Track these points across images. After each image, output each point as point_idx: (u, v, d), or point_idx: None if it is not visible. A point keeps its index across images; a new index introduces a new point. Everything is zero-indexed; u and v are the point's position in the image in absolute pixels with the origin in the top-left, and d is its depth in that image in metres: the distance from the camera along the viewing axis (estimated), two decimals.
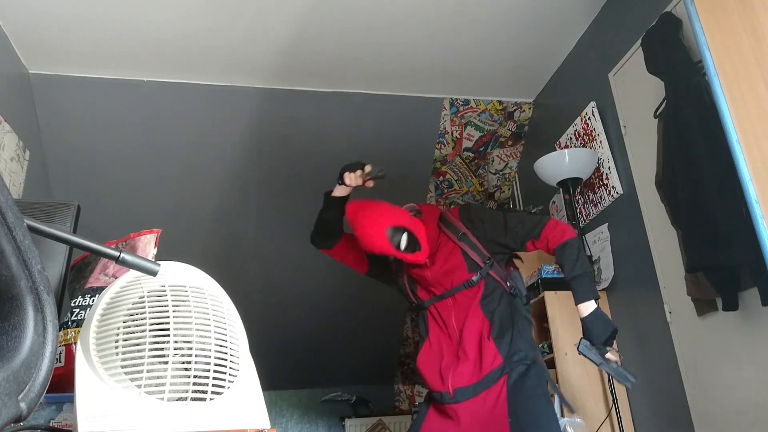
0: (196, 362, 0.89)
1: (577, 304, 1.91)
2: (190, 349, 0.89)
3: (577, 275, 1.91)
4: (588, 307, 1.88)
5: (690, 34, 2.11)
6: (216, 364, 0.91)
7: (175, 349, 0.88)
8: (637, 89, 2.68)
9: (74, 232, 1.28)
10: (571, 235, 1.96)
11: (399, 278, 2.19)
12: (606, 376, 2.70)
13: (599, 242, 2.97)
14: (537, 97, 3.73)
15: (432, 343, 2.10)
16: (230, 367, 0.93)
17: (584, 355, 1.87)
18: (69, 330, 1.36)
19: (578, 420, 2.57)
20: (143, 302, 0.91)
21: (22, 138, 2.98)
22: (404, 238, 1.98)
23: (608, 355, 1.87)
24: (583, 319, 1.89)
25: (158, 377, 0.87)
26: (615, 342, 1.91)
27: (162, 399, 0.86)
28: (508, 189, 4.26)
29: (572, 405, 2.37)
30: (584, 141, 3.11)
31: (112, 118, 3.38)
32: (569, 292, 2.87)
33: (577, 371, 2.76)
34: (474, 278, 2.04)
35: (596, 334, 1.86)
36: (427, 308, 2.14)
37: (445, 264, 2.08)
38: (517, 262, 2.22)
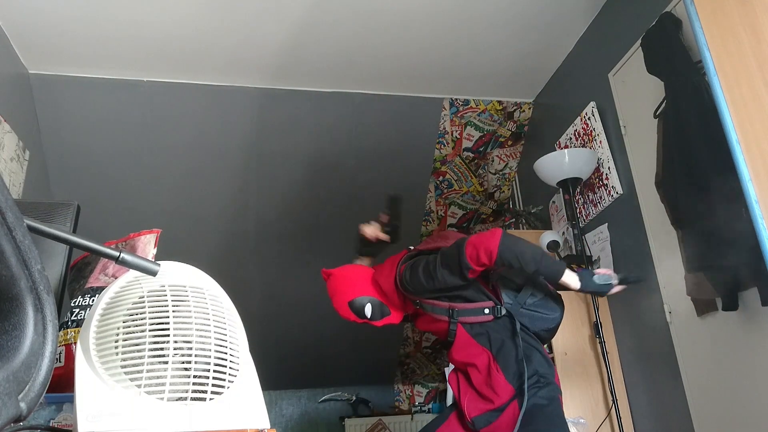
0: (196, 362, 0.89)
1: (557, 288, 1.89)
2: (190, 349, 0.89)
3: (534, 270, 1.81)
4: (570, 280, 1.84)
5: (690, 34, 2.11)
6: (216, 364, 0.91)
7: (175, 349, 0.88)
8: (637, 89, 2.68)
9: (74, 232, 1.28)
10: (498, 234, 1.83)
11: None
12: (605, 376, 2.70)
13: (599, 242, 2.97)
14: (537, 97, 3.72)
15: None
16: (230, 367, 0.93)
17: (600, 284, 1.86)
18: (69, 330, 1.36)
19: (582, 420, 2.57)
20: (143, 302, 0.91)
21: (22, 138, 2.98)
22: (368, 308, 2.04)
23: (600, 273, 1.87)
24: (581, 291, 1.89)
25: (158, 377, 0.87)
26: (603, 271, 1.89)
27: (162, 399, 0.86)
28: (508, 189, 4.26)
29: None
30: (584, 141, 3.11)
31: (112, 118, 3.38)
32: (569, 293, 2.90)
33: (577, 371, 2.76)
34: (450, 338, 1.98)
35: (600, 290, 1.86)
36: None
37: (425, 318, 2.07)
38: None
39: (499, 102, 3.76)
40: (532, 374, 1.86)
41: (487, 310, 1.92)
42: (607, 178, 2.91)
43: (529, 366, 1.85)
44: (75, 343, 1.33)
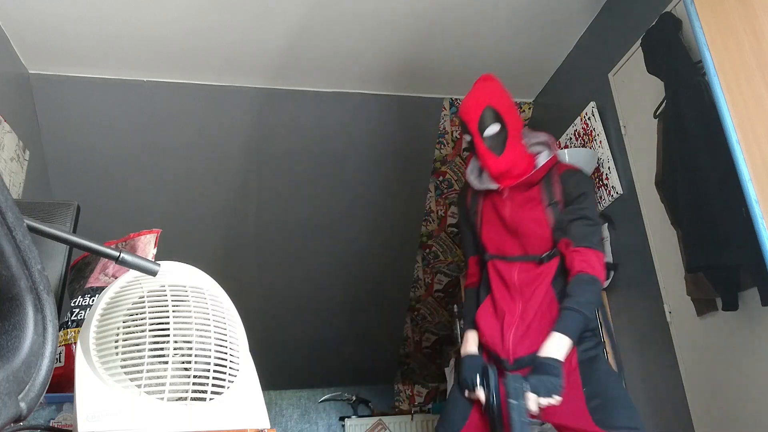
0: (196, 362, 0.89)
1: (553, 330, 1.76)
2: (190, 349, 0.89)
3: (575, 308, 1.77)
4: (558, 345, 1.73)
5: (690, 34, 2.11)
6: (216, 364, 0.91)
7: (175, 349, 0.88)
8: (637, 89, 2.68)
9: (74, 232, 1.28)
10: (601, 276, 1.84)
11: (474, 215, 2.08)
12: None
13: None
14: (537, 97, 3.73)
15: (496, 299, 1.96)
16: (230, 367, 0.93)
17: (506, 388, 1.69)
18: (69, 330, 1.36)
19: None
20: (143, 302, 0.91)
21: (22, 138, 2.98)
22: (494, 128, 1.88)
23: (530, 403, 1.67)
24: (538, 359, 1.73)
25: (158, 377, 0.87)
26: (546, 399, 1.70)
27: (162, 399, 0.86)
28: None
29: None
30: (584, 141, 3.11)
31: (112, 118, 3.38)
32: None
33: None
34: (546, 255, 1.92)
35: (544, 373, 1.70)
36: (487, 261, 2.03)
37: (529, 214, 1.93)
38: None
39: None
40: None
41: None
42: (607, 178, 2.91)
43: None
44: (75, 343, 1.33)
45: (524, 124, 2.04)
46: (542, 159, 2.00)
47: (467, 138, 1.98)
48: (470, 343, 1.97)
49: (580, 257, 1.84)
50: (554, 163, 2.00)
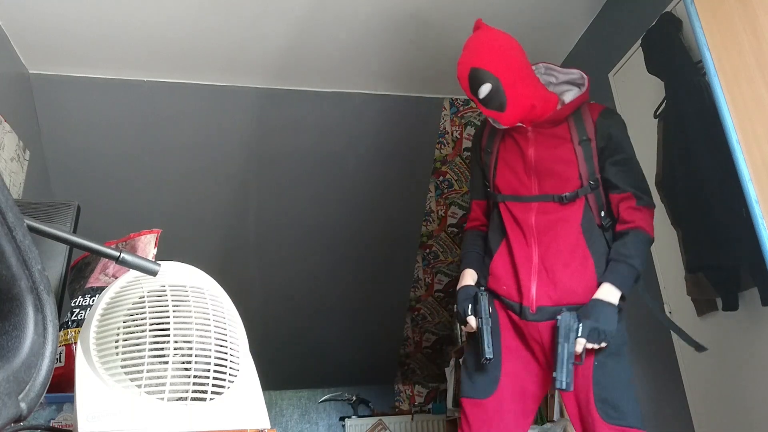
0: (196, 362, 0.89)
1: (602, 281, 1.68)
2: (190, 349, 0.89)
3: (633, 265, 1.68)
4: (610, 293, 1.66)
5: (690, 34, 2.11)
6: (216, 364, 0.91)
7: (175, 349, 0.88)
8: (637, 89, 2.68)
9: (74, 232, 1.28)
10: (651, 233, 1.74)
11: (489, 155, 1.92)
12: None
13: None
14: None
15: (512, 246, 1.81)
16: (230, 367, 0.93)
17: (559, 327, 1.63)
18: (69, 330, 1.36)
19: None
20: (143, 302, 0.91)
21: (22, 138, 2.98)
22: (485, 88, 1.75)
23: (578, 346, 1.62)
24: (595, 299, 1.66)
25: (158, 377, 0.87)
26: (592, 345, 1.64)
27: (162, 399, 0.86)
28: None
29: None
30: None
31: (113, 118, 3.38)
32: None
33: None
34: (569, 194, 1.77)
35: (604, 322, 1.62)
36: (499, 204, 1.88)
37: (554, 152, 1.80)
38: None
39: None
40: None
41: (602, 214, 1.82)
42: None
43: None
44: (75, 343, 1.33)
45: (532, 63, 1.92)
46: (568, 97, 1.88)
47: (472, 102, 1.92)
48: (466, 278, 1.88)
49: (642, 215, 1.73)
50: (584, 101, 1.86)
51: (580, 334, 1.61)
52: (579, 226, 1.76)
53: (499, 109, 1.76)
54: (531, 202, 1.80)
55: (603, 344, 1.63)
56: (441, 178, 4.14)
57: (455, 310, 1.87)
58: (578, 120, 1.82)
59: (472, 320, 1.78)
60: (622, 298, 1.70)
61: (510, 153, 1.86)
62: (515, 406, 1.73)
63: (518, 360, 1.76)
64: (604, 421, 1.59)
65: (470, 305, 1.79)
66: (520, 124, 1.83)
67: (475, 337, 1.78)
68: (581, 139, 1.80)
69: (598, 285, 1.69)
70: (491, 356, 1.71)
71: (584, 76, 1.92)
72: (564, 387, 1.59)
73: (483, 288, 1.84)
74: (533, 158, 1.81)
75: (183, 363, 0.89)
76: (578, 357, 1.62)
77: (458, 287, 1.90)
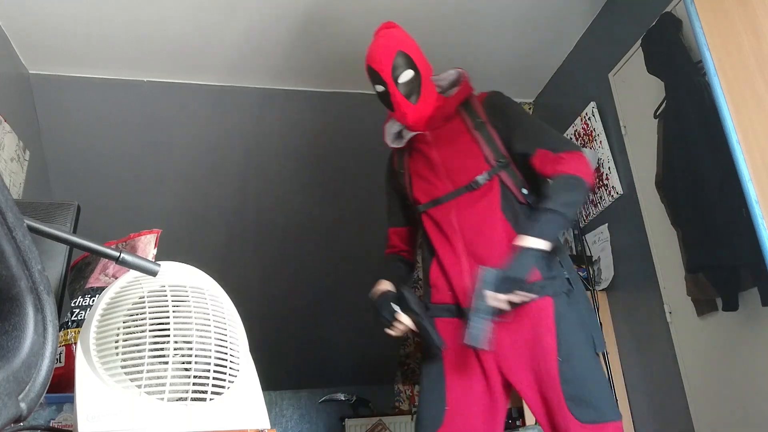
0: (196, 362, 0.89)
1: (521, 233, 1.57)
2: (190, 349, 0.89)
3: (551, 209, 1.56)
4: (524, 240, 1.54)
5: (690, 34, 2.11)
6: (216, 364, 0.91)
7: (175, 349, 0.88)
8: (637, 89, 2.68)
9: (74, 232, 1.28)
10: (587, 177, 1.62)
11: (402, 176, 1.91)
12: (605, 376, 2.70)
13: (599, 242, 2.97)
14: (537, 97, 3.72)
15: (440, 254, 1.77)
16: (230, 367, 0.93)
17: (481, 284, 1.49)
18: (69, 330, 1.36)
19: None
20: (143, 302, 0.91)
21: (22, 138, 2.98)
22: (408, 74, 1.75)
23: (488, 300, 1.48)
24: (515, 248, 1.55)
25: (158, 377, 0.87)
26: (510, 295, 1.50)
27: (162, 399, 0.86)
28: None
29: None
30: (584, 141, 3.11)
31: (112, 118, 3.38)
32: None
33: None
34: (479, 178, 1.72)
35: (513, 269, 1.50)
36: (423, 219, 1.83)
37: (455, 145, 1.79)
38: None
39: None
40: (561, 274, 1.67)
41: (524, 191, 1.76)
42: (607, 178, 2.91)
43: (558, 264, 1.69)
44: (75, 343, 1.33)
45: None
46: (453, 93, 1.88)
47: (379, 89, 1.82)
48: (382, 285, 1.84)
49: (563, 161, 1.63)
50: (469, 92, 1.87)
51: (485, 287, 1.48)
52: (500, 210, 1.69)
53: (412, 100, 1.77)
54: (448, 200, 1.76)
55: (520, 296, 1.51)
56: None
57: (379, 319, 1.77)
58: (468, 109, 1.82)
59: (403, 317, 1.69)
60: (553, 250, 1.59)
61: (418, 163, 1.86)
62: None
63: (464, 383, 1.64)
64: (579, 422, 1.49)
65: (392, 305, 1.72)
66: (419, 132, 1.84)
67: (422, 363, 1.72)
68: (476, 124, 1.78)
69: (539, 270, 1.61)
70: (442, 342, 1.62)
71: (460, 71, 1.92)
72: (470, 342, 1.46)
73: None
74: (438, 158, 1.80)
75: (183, 363, 0.89)
76: (502, 315, 1.51)
77: (374, 296, 1.83)
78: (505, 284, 1.49)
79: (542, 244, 1.54)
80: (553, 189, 1.60)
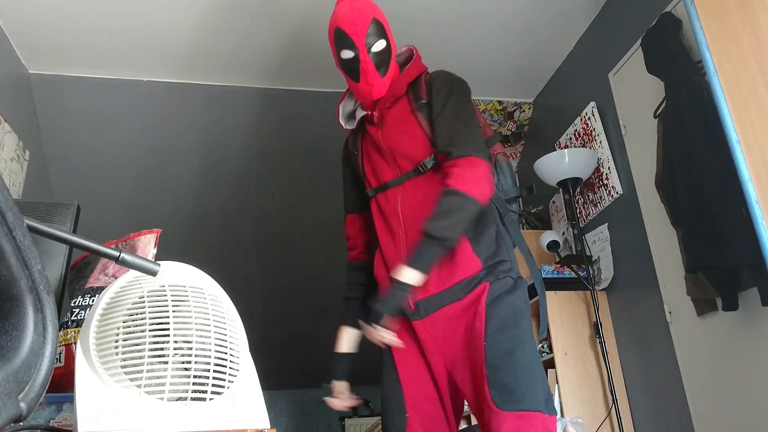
0: (196, 362, 0.89)
1: (405, 263, 1.49)
2: (190, 349, 0.89)
3: (430, 234, 1.47)
4: (406, 275, 1.47)
5: (690, 34, 2.11)
6: (216, 364, 0.91)
7: (175, 349, 0.88)
8: (637, 89, 2.68)
9: (74, 232, 1.28)
10: (472, 191, 1.49)
11: (356, 158, 1.80)
12: (605, 376, 2.70)
13: (599, 242, 2.97)
14: (537, 97, 3.72)
15: (382, 246, 1.67)
16: (230, 367, 0.93)
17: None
18: (69, 330, 1.36)
19: (579, 420, 2.57)
20: (143, 302, 0.91)
21: (22, 138, 2.98)
22: (381, 44, 1.65)
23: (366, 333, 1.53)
24: (391, 279, 1.49)
25: (158, 377, 0.87)
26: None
27: (162, 399, 0.86)
28: None
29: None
30: (584, 141, 3.11)
31: (112, 119, 3.38)
32: (569, 293, 2.90)
33: (577, 371, 2.76)
34: (426, 161, 1.61)
35: (380, 304, 1.50)
36: (371, 205, 1.74)
37: (399, 126, 1.68)
38: None
39: (499, 102, 3.76)
40: (504, 260, 1.58)
41: None
42: (607, 178, 2.91)
43: (503, 250, 1.60)
44: (75, 343, 1.33)
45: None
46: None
47: (347, 54, 1.69)
48: (341, 342, 1.83)
49: (455, 172, 1.53)
50: (421, 71, 1.75)
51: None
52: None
53: (381, 73, 1.67)
54: (394, 186, 1.65)
55: (380, 331, 1.49)
56: None
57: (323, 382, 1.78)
58: (414, 89, 1.70)
59: (335, 402, 1.79)
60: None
61: (369, 145, 1.75)
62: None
63: (417, 385, 1.60)
64: (496, 407, 1.40)
65: (336, 384, 1.80)
66: (369, 113, 1.73)
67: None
68: (419, 105, 1.66)
69: (478, 258, 1.53)
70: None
71: (411, 48, 1.82)
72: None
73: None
74: (383, 141, 1.69)
75: (183, 363, 0.89)
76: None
77: (335, 351, 1.84)
78: (373, 317, 1.50)
79: (415, 278, 1.47)
80: (436, 210, 1.50)
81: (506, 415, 1.38)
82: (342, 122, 1.84)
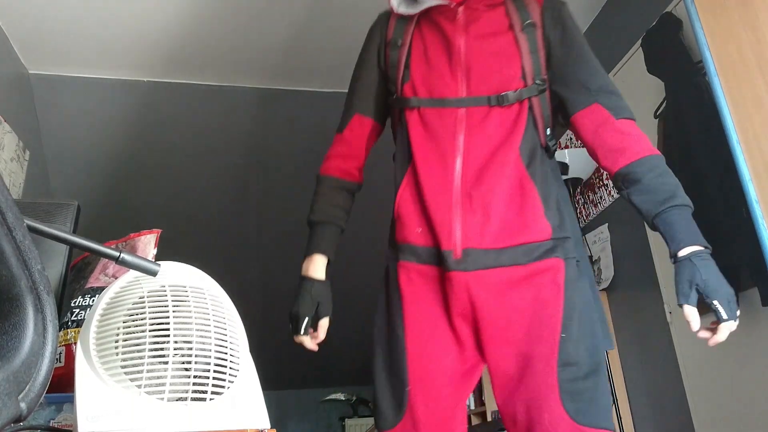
0: (196, 362, 0.89)
1: (686, 245, 1.25)
2: (190, 349, 0.89)
3: (687, 205, 1.26)
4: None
5: (690, 34, 2.11)
6: (216, 364, 0.91)
7: (175, 349, 0.88)
8: (637, 89, 2.68)
9: (74, 232, 1.28)
10: (654, 151, 1.31)
11: (397, 49, 1.40)
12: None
13: (599, 242, 2.97)
14: None
15: (421, 168, 1.31)
16: (230, 367, 0.93)
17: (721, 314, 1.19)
18: (69, 330, 1.36)
19: None
20: (143, 302, 0.91)
21: (22, 138, 2.98)
22: None
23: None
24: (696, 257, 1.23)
25: (158, 377, 0.87)
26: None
27: (162, 399, 0.86)
28: None
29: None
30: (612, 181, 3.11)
31: (112, 118, 3.38)
32: None
33: None
34: (510, 94, 1.30)
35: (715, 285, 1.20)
36: (407, 116, 1.37)
37: (489, 39, 1.33)
38: None
39: None
40: (568, 237, 1.30)
41: (548, 132, 1.39)
42: (607, 178, 2.91)
43: (568, 224, 1.34)
44: (75, 343, 1.33)
45: None
46: None
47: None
48: (313, 268, 1.44)
49: (637, 133, 1.35)
50: None
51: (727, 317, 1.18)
52: (518, 147, 1.29)
53: None
54: (457, 107, 1.30)
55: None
56: None
57: (290, 313, 1.42)
58: (519, 3, 1.36)
59: (305, 341, 1.40)
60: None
61: (430, 43, 1.36)
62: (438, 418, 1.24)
63: (430, 352, 1.25)
64: (573, 421, 1.14)
65: (307, 319, 1.37)
66: (447, 3, 1.35)
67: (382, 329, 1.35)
68: (524, 24, 1.33)
69: (549, 223, 1.26)
70: None
71: None
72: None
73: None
74: (463, 49, 1.32)
75: (183, 363, 0.89)
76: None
77: (301, 275, 1.42)
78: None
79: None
80: (666, 179, 1.29)
81: (583, 431, 1.14)
82: (394, 2, 1.42)
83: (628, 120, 1.36)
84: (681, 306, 1.24)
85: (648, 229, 2.62)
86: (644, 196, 1.27)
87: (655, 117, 2.43)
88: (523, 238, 1.24)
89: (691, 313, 1.24)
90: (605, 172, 3.00)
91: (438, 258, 1.25)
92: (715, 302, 1.21)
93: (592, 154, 1.35)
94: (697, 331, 1.23)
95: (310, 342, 1.42)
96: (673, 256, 1.28)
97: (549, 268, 1.24)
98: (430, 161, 1.30)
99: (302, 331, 1.39)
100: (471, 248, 1.23)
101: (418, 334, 1.26)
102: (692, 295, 1.24)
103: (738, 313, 1.19)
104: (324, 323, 1.41)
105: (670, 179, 1.29)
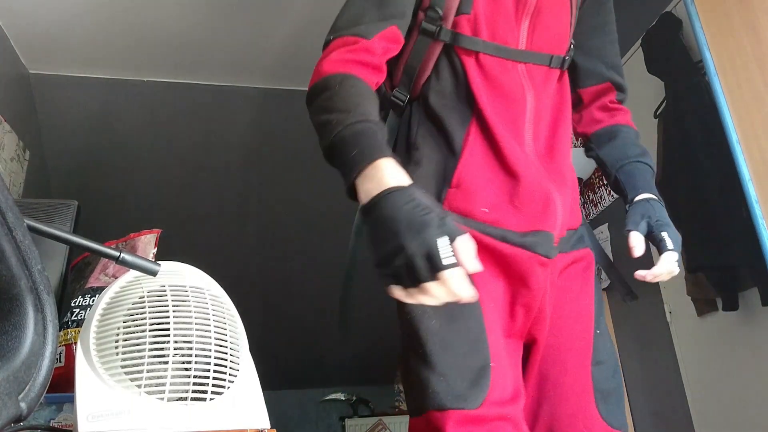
0: (196, 362, 0.89)
1: (645, 192, 1.16)
2: (190, 349, 0.89)
3: (647, 163, 1.23)
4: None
5: (690, 34, 2.11)
6: (216, 364, 0.91)
7: (175, 349, 0.88)
8: (637, 89, 2.68)
9: (74, 232, 1.28)
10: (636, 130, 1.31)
11: None
12: None
13: (600, 242, 2.97)
14: None
15: (498, 135, 1.03)
16: (230, 367, 0.93)
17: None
18: (69, 330, 1.36)
19: None
20: (143, 302, 0.91)
21: (22, 138, 2.98)
22: None
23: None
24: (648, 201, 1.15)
25: (158, 377, 0.87)
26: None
27: (162, 399, 0.86)
28: None
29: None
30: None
31: (113, 119, 3.38)
32: None
33: None
34: (566, 56, 1.13)
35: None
36: (462, 58, 1.06)
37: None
38: None
39: None
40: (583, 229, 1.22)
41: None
42: None
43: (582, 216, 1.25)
44: (75, 343, 1.33)
45: None
46: None
47: None
48: (392, 175, 0.90)
49: (624, 113, 1.35)
50: None
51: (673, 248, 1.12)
52: (570, 113, 1.17)
53: None
54: (517, 60, 1.07)
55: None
56: None
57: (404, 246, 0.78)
58: None
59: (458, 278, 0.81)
60: None
61: None
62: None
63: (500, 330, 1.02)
64: (608, 425, 1.03)
65: (447, 238, 0.77)
66: None
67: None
68: None
69: (581, 213, 1.19)
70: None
71: None
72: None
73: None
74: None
75: (183, 363, 0.89)
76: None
77: (377, 194, 0.88)
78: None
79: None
80: (639, 146, 1.27)
81: None
82: None
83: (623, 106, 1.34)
84: (628, 233, 1.12)
85: None
86: (615, 151, 1.24)
87: (655, 117, 2.43)
88: (572, 222, 1.12)
89: (637, 237, 1.12)
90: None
91: (531, 242, 1.01)
92: (663, 233, 1.14)
93: (577, 120, 1.29)
94: (638, 258, 1.15)
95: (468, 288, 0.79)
96: (630, 202, 1.18)
97: (583, 257, 1.15)
98: (504, 124, 1.05)
99: (446, 261, 0.75)
100: (569, 229, 1.09)
101: (489, 312, 1.00)
102: (642, 225, 1.14)
103: (679, 254, 1.15)
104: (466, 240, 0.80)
105: (645, 148, 1.27)
